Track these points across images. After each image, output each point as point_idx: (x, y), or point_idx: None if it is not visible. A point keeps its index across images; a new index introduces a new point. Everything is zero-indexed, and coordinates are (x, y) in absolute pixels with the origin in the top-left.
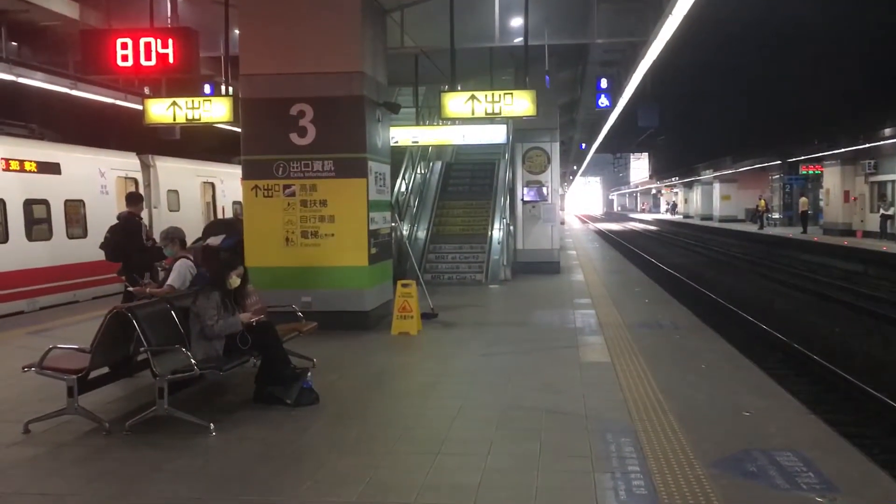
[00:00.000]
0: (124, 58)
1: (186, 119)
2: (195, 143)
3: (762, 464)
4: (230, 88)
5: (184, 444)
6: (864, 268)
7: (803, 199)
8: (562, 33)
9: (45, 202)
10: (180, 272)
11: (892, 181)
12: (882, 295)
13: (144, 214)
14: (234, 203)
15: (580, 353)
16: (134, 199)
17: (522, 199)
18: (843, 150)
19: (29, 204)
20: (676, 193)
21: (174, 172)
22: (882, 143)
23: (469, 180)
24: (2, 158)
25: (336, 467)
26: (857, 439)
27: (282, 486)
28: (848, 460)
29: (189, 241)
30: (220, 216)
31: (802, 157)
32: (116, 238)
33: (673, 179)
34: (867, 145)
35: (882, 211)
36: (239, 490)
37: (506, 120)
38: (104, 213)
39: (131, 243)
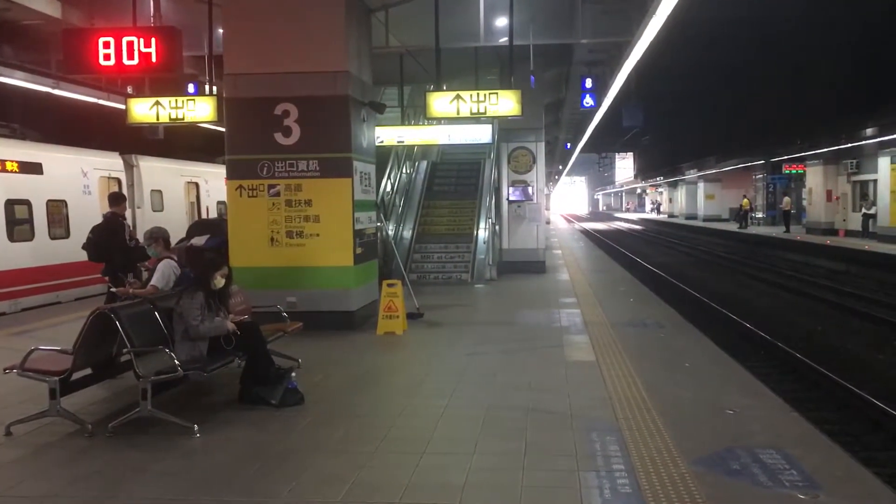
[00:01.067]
0: (107, 57)
1: (170, 119)
2: (179, 142)
3: (745, 462)
4: (214, 88)
5: (168, 446)
6: (846, 266)
7: (786, 199)
8: (547, 33)
9: (26, 202)
10: (164, 272)
11: (874, 180)
12: (864, 293)
13: (128, 214)
14: (219, 203)
15: (565, 353)
16: (116, 199)
17: (508, 199)
18: (825, 149)
19: (10, 204)
20: (661, 193)
21: (158, 172)
22: (864, 142)
23: (455, 180)
24: None
25: (321, 468)
26: (840, 437)
27: (267, 487)
28: (831, 458)
29: (173, 241)
30: (204, 216)
31: (785, 157)
32: (98, 238)
33: (658, 179)
34: (849, 145)
35: (864, 210)
36: (223, 491)
37: (491, 120)
38: (87, 214)
39: (114, 243)
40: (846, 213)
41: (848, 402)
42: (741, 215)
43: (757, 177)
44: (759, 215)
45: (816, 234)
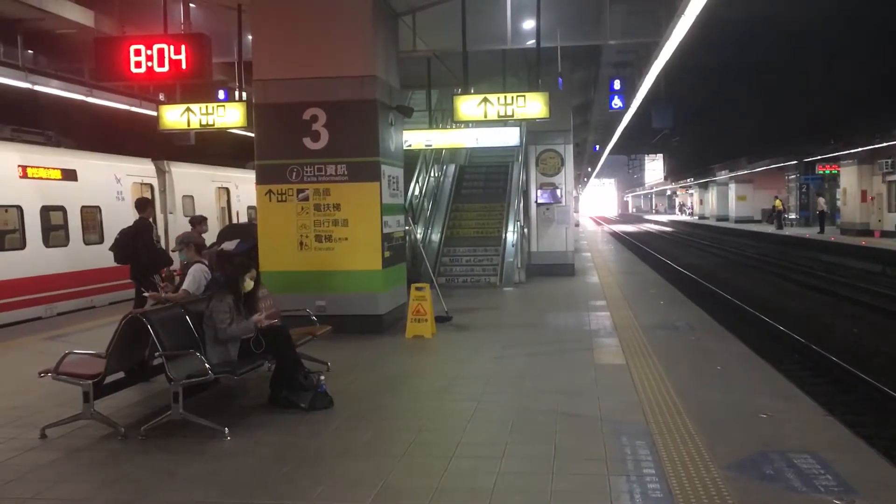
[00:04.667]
0: (138, 64)
1: (200, 125)
2: (210, 148)
3: (779, 466)
4: (244, 94)
5: (198, 449)
6: (883, 268)
7: (821, 199)
8: (574, 35)
9: (61, 208)
10: (195, 277)
11: None
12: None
13: (160, 219)
14: (249, 208)
15: (595, 356)
16: (143, 205)
17: (536, 202)
18: (859, 149)
19: (46, 210)
20: (692, 194)
21: (189, 178)
22: None
23: (483, 183)
24: (19, 166)
25: (349, 471)
26: (877, 441)
27: (295, 490)
28: (866, 462)
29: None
30: (234, 221)
31: (819, 157)
32: (125, 240)
33: (688, 180)
34: (883, 144)
35: None
36: (253, 494)
37: (519, 122)
38: (120, 219)
39: (140, 244)
40: (881, 213)
41: (884, 406)
42: (775, 216)
43: (790, 177)
44: (792, 216)
45: (851, 235)
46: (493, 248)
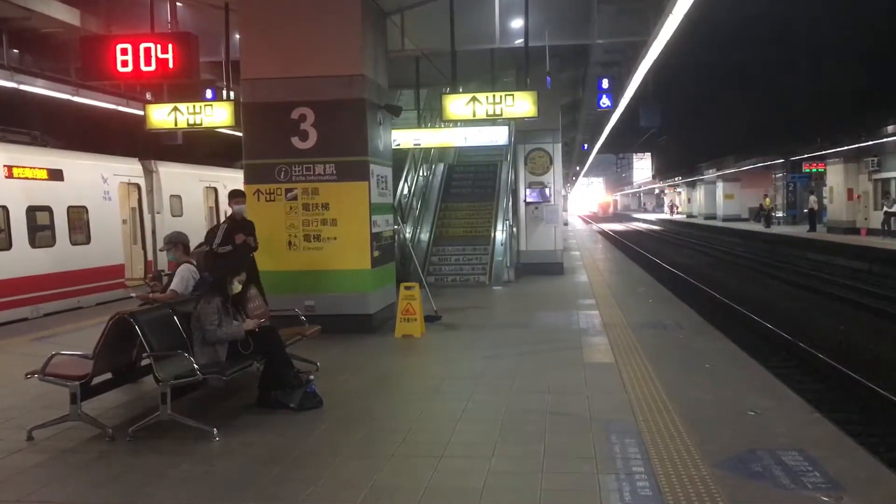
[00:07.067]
0: (124, 63)
1: (188, 124)
2: (197, 147)
3: (767, 464)
4: (231, 93)
5: (187, 450)
6: (869, 265)
7: (812, 198)
8: (562, 34)
9: (48, 209)
10: (183, 277)
11: None
12: (888, 293)
13: (147, 219)
14: None
15: (584, 355)
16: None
17: (525, 201)
18: (845, 147)
19: (32, 211)
20: (679, 193)
21: (177, 177)
22: (885, 140)
23: (471, 182)
24: (4, 165)
25: (339, 472)
26: (864, 438)
27: (285, 491)
28: (854, 459)
29: (192, 245)
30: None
31: (805, 156)
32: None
33: (676, 179)
34: (870, 143)
35: (885, 208)
36: (242, 495)
37: (507, 121)
38: (107, 220)
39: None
40: (867, 211)
41: (872, 403)
42: (765, 215)
43: (777, 176)
44: (780, 214)
45: (837, 234)
46: (482, 248)
